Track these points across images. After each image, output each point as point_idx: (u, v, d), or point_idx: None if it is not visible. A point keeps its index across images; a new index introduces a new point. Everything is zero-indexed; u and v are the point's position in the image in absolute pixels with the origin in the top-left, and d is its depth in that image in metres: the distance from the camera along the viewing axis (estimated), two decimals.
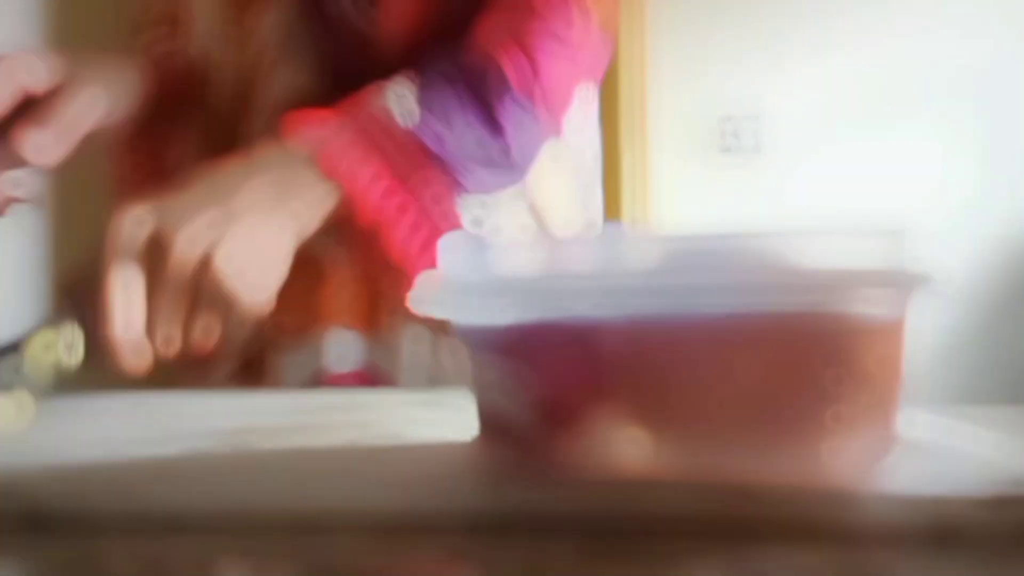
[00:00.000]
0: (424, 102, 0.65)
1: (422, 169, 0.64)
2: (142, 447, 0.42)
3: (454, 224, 0.65)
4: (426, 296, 0.37)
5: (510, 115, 0.67)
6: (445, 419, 0.47)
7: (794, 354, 0.32)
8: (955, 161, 2.09)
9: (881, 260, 0.33)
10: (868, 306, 0.33)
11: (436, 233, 0.63)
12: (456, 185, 0.65)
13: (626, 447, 0.33)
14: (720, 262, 0.33)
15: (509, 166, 0.68)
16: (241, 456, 0.40)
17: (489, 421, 0.37)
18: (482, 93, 0.66)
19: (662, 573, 0.28)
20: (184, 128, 0.77)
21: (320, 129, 0.63)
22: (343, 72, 0.71)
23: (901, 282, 0.33)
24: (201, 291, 0.55)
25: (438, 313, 0.38)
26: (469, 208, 0.68)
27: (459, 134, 0.65)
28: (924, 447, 0.37)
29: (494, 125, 0.66)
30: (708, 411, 0.32)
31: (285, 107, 0.69)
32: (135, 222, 0.55)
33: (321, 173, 0.61)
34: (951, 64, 2.09)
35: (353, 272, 0.72)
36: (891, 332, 0.34)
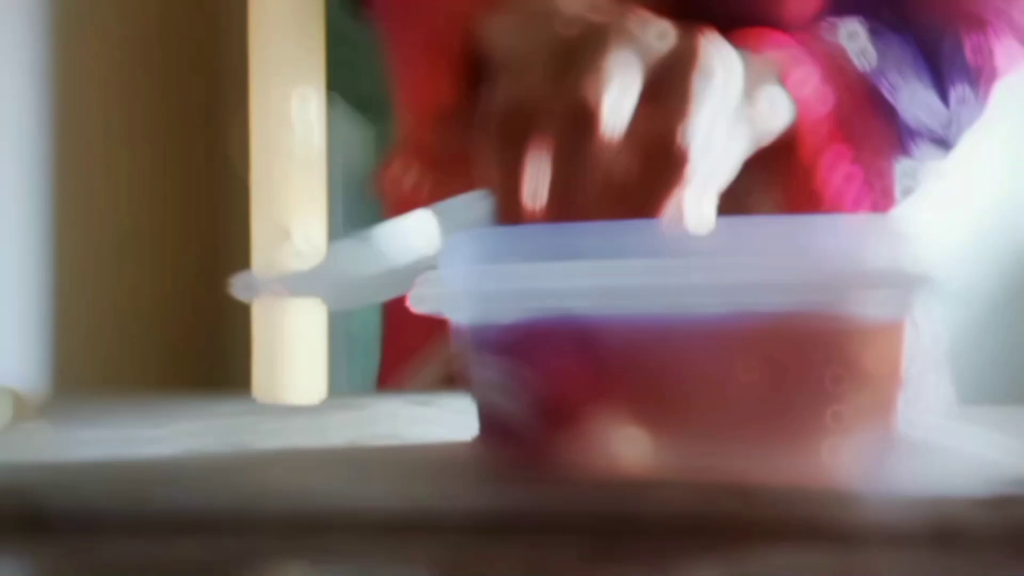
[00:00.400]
0: (878, 47, 0.59)
1: (868, 118, 0.58)
2: (142, 447, 0.42)
3: (887, 187, 0.58)
4: (426, 295, 0.37)
5: (957, 85, 0.61)
6: (445, 419, 0.47)
7: (794, 354, 0.32)
8: (955, 161, 2.09)
9: (881, 260, 0.33)
10: (868, 306, 0.33)
11: (866, 192, 0.57)
12: (897, 145, 0.59)
13: (626, 447, 0.33)
14: (720, 262, 0.33)
15: (945, 140, 0.62)
16: (241, 456, 0.40)
17: (489, 421, 0.37)
18: (933, 53, 0.61)
19: (662, 573, 0.28)
20: None
21: (782, 49, 0.55)
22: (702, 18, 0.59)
23: (901, 282, 0.33)
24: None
25: (438, 313, 0.38)
26: (902, 175, 0.60)
27: (911, 89, 0.59)
28: (924, 447, 0.37)
29: (941, 91, 0.61)
30: (708, 411, 0.32)
31: None
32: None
33: (783, 90, 0.53)
34: None
35: None
36: (891, 332, 0.34)
